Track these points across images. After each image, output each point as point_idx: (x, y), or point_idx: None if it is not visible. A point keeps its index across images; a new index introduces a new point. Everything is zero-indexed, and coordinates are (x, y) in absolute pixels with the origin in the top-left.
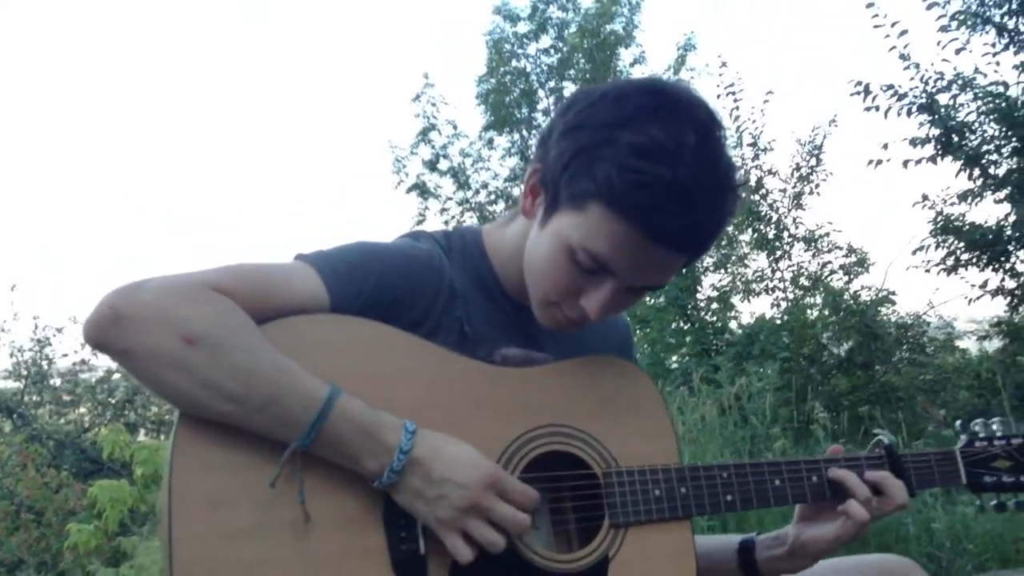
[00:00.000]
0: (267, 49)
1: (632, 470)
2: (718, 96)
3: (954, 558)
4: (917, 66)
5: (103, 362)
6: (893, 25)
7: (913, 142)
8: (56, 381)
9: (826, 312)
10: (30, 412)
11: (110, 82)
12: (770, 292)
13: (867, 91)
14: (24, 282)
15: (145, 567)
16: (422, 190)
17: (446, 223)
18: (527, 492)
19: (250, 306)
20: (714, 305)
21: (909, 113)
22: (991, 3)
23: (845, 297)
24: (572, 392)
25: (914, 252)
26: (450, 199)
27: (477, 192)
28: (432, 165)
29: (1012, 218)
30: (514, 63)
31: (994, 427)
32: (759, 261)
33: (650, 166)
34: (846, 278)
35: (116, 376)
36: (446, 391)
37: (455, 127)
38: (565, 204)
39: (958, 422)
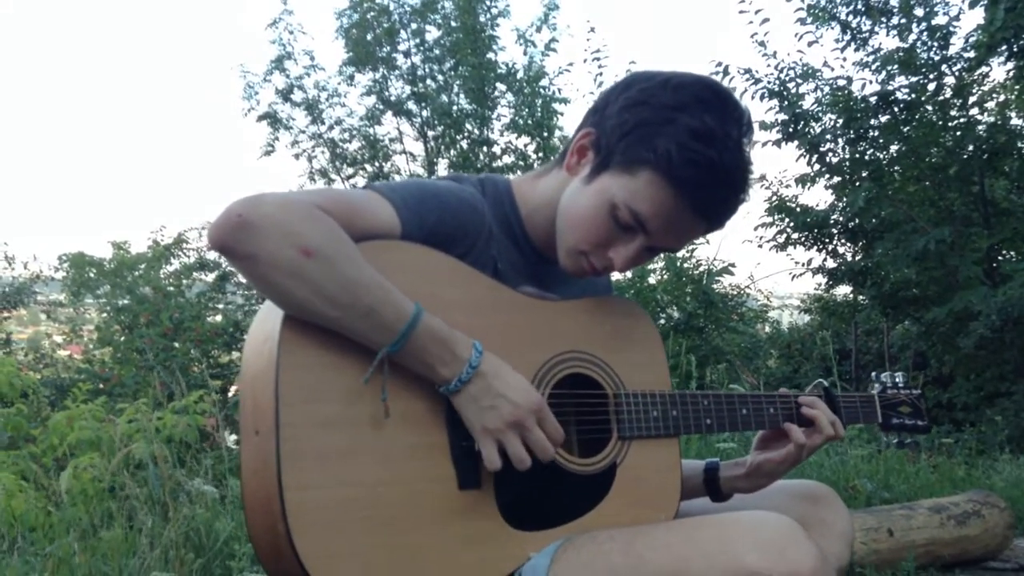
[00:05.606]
0: None
1: (636, 393)
2: (584, 60)
3: None
4: (775, 54)
5: None
6: (757, 12)
7: (762, 125)
8: None
9: (664, 277)
10: None
11: None
12: None
13: (726, 72)
14: None
15: None
16: (273, 119)
17: (296, 156)
18: (559, 429)
19: (342, 227)
20: None
21: (762, 98)
22: (840, 1)
23: (686, 266)
24: (589, 324)
25: (755, 228)
26: (303, 132)
27: (331, 128)
28: (286, 95)
29: (839, 204)
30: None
31: (897, 379)
32: None
33: (703, 148)
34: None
35: None
36: (493, 318)
37: (312, 58)
38: (616, 166)
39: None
